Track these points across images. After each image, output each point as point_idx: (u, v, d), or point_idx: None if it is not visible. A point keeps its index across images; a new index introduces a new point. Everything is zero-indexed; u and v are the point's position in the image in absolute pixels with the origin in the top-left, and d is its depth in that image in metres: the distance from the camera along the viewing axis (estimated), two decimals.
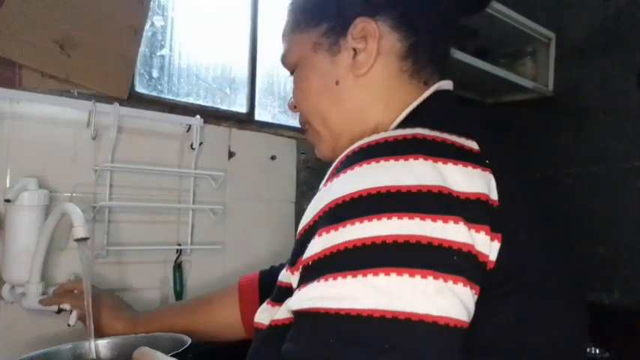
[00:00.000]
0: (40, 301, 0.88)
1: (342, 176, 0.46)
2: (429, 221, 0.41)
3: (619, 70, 1.69)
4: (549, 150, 1.84)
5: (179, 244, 1.15)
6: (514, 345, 0.45)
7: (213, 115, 1.24)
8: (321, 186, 0.51)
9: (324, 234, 0.44)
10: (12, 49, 0.92)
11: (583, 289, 0.55)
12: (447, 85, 0.61)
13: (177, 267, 1.14)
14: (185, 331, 0.85)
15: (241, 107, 1.33)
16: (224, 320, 0.89)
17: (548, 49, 1.84)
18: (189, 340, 0.79)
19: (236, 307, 0.88)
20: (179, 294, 1.12)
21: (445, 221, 0.41)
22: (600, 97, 1.74)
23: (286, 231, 1.37)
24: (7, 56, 0.92)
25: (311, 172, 1.43)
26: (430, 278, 0.40)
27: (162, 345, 0.82)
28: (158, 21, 1.18)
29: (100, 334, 0.85)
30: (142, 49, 1.13)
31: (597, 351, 1.39)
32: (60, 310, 0.87)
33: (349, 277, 0.41)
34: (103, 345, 0.84)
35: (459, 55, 1.49)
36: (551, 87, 1.84)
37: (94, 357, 0.81)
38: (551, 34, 1.82)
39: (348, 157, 0.49)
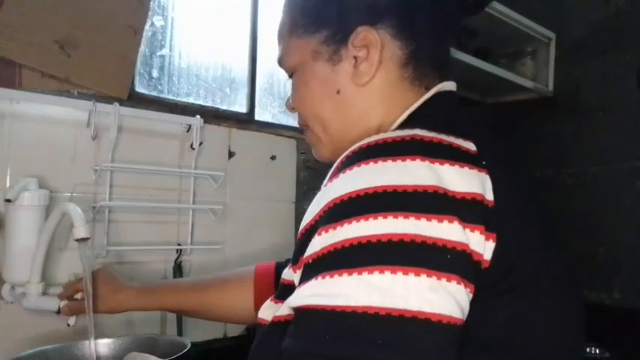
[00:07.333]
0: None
1: (342, 176, 0.48)
2: (423, 220, 0.42)
3: (619, 70, 1.69)
4: (549, 150, 1.84)
5: (179, 244, 1.15)
6: (507, 343, 0.46)
7: (213, 115, 1.24)
8: (323, 185, 0.52)
9: (322, 233, 0.45)
10: (12, 49, 0.92)
11: (580, 290, 0.56)
12: (449, 86, 0.61)
13: (177, 267, 1.14)
14: (196, 307, 0.87)
15: (241, 107, 1.33)
16: (237, 303, 0.88)
17: (548, 49, 1.84)
18: (189, 344, 0.78)
19: (250, 292, 0.88)
20: None
21: (440, 220, 0.42)
22: (600, 97, 1.74)
23: (286, 231, 1.37)
24: (7, 56, 0.92)
25: (311, 172, 1.43)
26: (423, 276, 0.41)
27: (160, 349, 0.82)
28: (158, 21, 1.18)
29: (99, 309, 0.83)
30: (142, 49, 1.13)
31: (597, 351, 1.39)
32: (60, 310, 0.87)
33: (345, 275, 0.42)
34: (102, 345, 0.84)
35: (459, 55, 1.49)
36: (551, 87, 1.85)
37: (94, 353, 0.81)
38: (551, 34, 1.82)
39: (348, 157, 0.49)
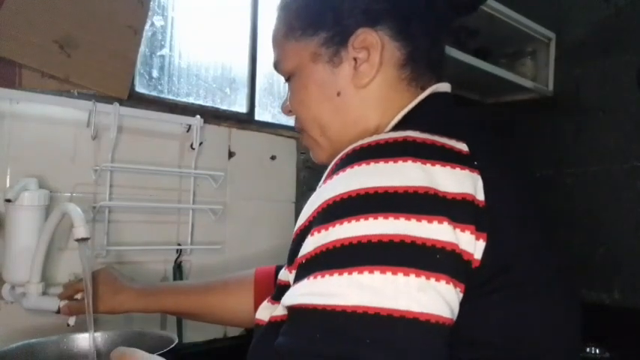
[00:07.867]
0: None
1: (336, 177, 0.48)
2: (413, 221, 0.43)
3: (619, 70, 1.69)
4: (549, 150, 1.84)
5: (179, 244, 1.15)
6: (504, 342, 0.46)
7: (213, 115, 1.24)
8: (318, 186, 0.52)
9: (315, 233, 0.46)
10: (12, 49, 0.92)
11: (575, 290, 0.57)
12: (443, 87, 0.62)
13: (177, 267, 1.14)
14: (197, 309, 0.88)
15: (241, 107, 1.33)
16: (237, 306, 0.89)
17: (548, 49, 1.84)
18: (176, 340, 0.78)
19: (251, 295, 0.88)
20: None
21: (429, 221, 0.43)
22: (600, 97, 1.74)
23: (286, 231, 1.37)
24: (7, 56, 0.92)
25: (311, 172, 1.43)
26: (412, 276, 0.42)
27: (148, 343, 0.82)
28: (158, 21, 1.18)
29: (99, 310, 0.83)
30: (142, 49, 1.13)
31: (597, 351, 1.39)
32: (60, 310, 0.87)
33: (336, 275, 0.43)
34: (95, 339, 0.83)
35: (459, 55, 1.49)
36: (551, 87, 1.84)
37: (94, 353, 0.81)
38: (551, 34, 1.82)
39: (342, 159, 0.50)
